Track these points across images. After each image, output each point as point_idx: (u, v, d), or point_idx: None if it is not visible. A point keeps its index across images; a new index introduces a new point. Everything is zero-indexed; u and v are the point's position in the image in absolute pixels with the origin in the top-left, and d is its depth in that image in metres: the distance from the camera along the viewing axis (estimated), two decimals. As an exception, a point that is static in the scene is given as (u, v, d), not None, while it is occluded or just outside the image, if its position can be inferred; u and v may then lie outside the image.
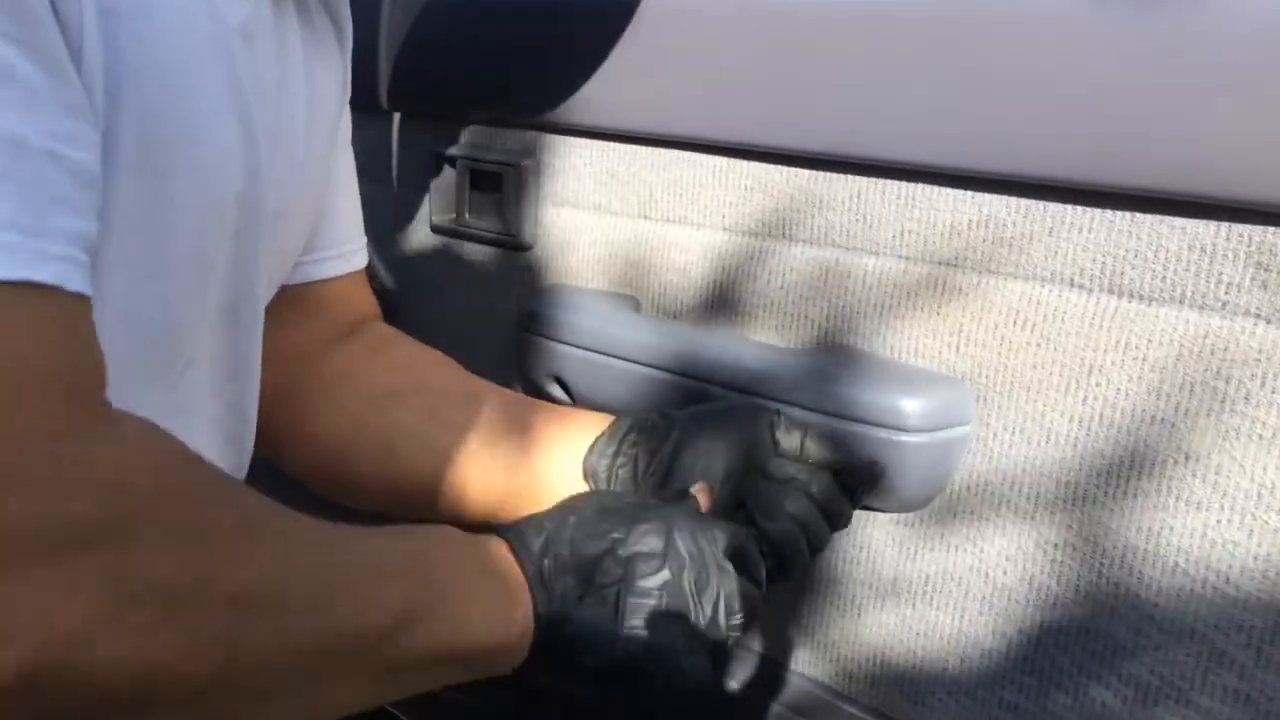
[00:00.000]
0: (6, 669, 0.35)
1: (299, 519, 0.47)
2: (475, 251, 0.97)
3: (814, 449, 0.66)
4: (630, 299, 0.86)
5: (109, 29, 0.44)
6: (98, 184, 0.43)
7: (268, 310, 0.64)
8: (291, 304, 0.71)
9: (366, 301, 0.79)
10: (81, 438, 0.39)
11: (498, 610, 0.53)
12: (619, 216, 0.86)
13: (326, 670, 0.46)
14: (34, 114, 0.39)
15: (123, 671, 0.38)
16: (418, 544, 0.53)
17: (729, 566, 0.57)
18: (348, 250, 0.75)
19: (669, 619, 0.55)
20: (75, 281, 0.40)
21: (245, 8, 0.55)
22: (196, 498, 0.43)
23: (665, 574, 0.55)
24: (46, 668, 0.36)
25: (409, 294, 1.04)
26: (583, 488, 0.70)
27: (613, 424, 0.71)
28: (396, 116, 1.03)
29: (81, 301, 0.41)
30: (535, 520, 0.57)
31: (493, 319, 0.96)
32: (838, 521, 0.66)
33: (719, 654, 0.56)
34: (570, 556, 0.55)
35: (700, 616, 0.55)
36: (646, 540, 0.56)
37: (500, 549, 0.55)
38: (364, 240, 0.77)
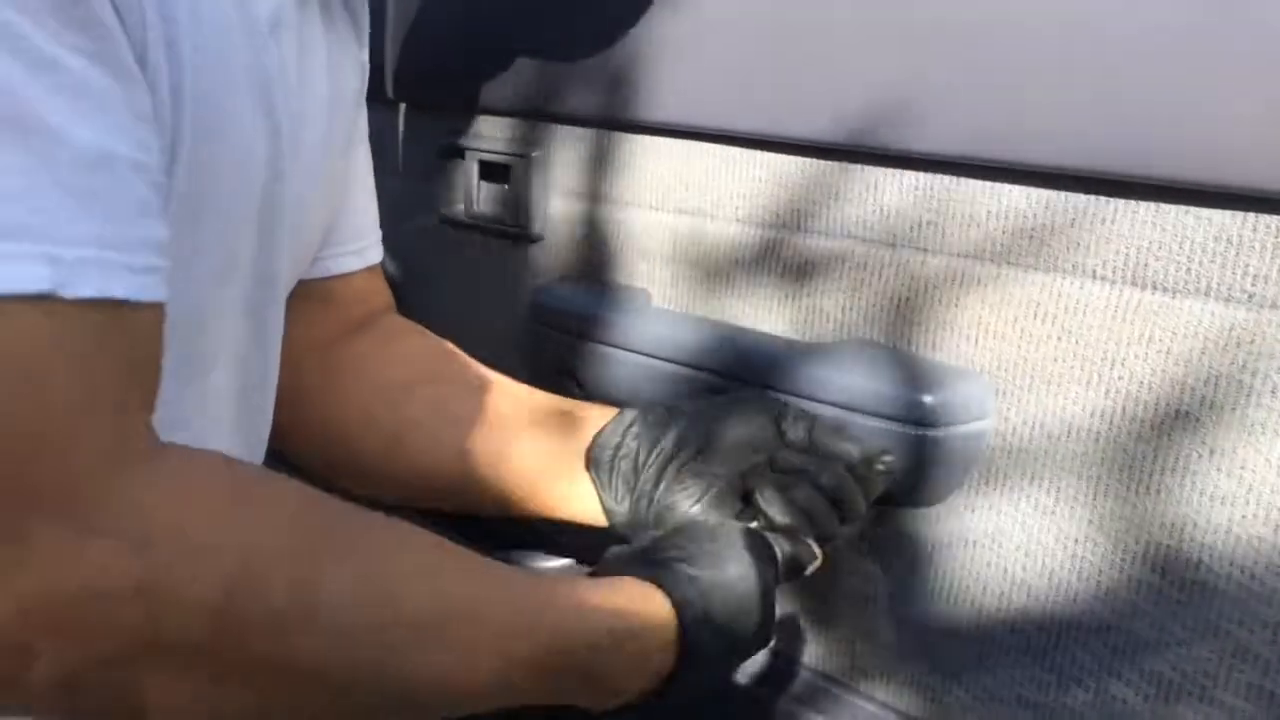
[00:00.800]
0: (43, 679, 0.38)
1: (391, 556, 0.47)
2: (484, 243, 0.97)
3: (823, 440, 0.66)
4: (641, 291, 0.85)
5: (170, 35, 0.45)
6: (164, 188, 0.44)
7: None
8: (306, 298, 0.70)
9: (381, 294, 0.79)
10: (125, 480, 0.39)
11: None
12: (630, 208, 0.85)
13: None
14: (111, 124, 0.40)
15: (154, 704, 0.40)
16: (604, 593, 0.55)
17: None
18: (364, 245, 0.76)
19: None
20: (153, 290, 0.40)
21: (271, 1, 0.54)
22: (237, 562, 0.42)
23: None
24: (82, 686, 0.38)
25: (417, 285, 1.03)
26: (588, 479, 0.70)
27: (617, 415, 0.71)
28: (403, 106, 1.02)
29: (156, 311, 0.41)
30: (693, 580, 0.58)
31: (502, 311, 0.95)
32: (849, 513, 0.65)
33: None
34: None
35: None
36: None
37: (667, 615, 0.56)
38: (379, 235, 0.77)
